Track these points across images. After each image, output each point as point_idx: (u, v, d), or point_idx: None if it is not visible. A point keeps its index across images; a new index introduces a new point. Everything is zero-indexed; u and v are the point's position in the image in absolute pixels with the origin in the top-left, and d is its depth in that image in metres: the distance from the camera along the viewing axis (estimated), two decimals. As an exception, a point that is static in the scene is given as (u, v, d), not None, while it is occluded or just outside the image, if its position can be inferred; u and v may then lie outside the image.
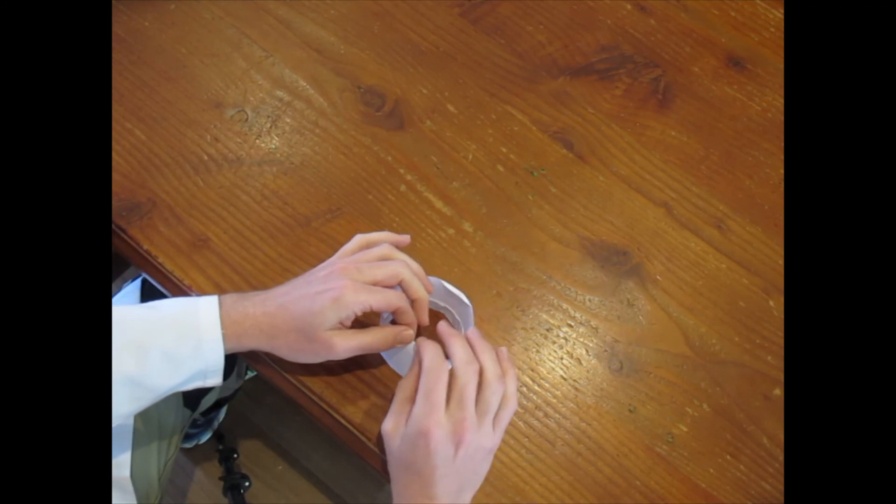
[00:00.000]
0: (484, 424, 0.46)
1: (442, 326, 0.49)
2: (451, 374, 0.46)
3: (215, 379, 0.47)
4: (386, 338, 0.49)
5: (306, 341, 0.46)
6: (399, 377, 0.52)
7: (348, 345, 0.47)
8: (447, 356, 0.48)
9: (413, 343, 0.51)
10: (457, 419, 0.45)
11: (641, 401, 0.55)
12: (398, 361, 0.53)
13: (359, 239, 0.51)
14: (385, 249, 0.50)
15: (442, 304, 0.55)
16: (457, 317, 0.54)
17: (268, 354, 0.51)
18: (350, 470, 1.16)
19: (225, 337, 0.45)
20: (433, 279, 0.53)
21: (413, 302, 0.49)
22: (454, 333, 0.49)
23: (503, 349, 0.50)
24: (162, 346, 0.44)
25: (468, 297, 0.52)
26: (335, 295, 0.45)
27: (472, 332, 0.50)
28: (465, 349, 0.47)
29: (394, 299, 0.47)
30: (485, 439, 0.46)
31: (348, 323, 0.46)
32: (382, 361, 0.53)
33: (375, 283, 0.47)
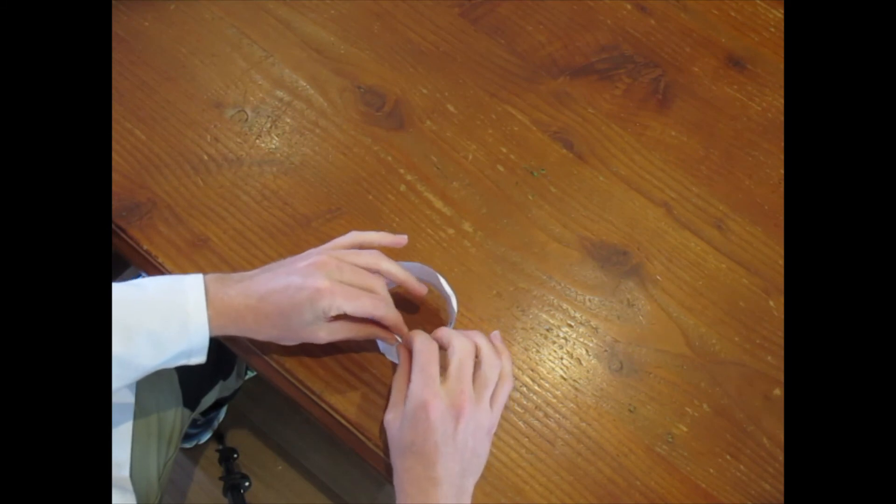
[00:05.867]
0: (482, 400, 0.47)
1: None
2: (448, 351, 0.48)
3: (199, 358, 0.47)
4: (369, 333, 0.50)
5: (288, 332, 0.47)
6: (384, 368, 0.53)
7: (331, 338, 0.48)
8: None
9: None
10: (455, 392, 0.46)
11: (641, 401, 0.55)
12: (393, 356, 0.53)
13: (353, 237, 0.51)
14: (372, 259, 0.49)
15: (435, 286, 0.55)
16: (442, 294, 0.55)
17: (253, 341, 0.52)
18: (350, 470, 1.16)
19: (210, 318, 0.45)
20: (428, 269, 0.53)
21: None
22: (441, 328, 0.50)
23: (496, 332, 0.52)
24: (148, 327, 0.44)
25: (455, 295, 0.53)
26: (311, 295, 0.45)
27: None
28: (459, 331, 0.49)
29: (369, 307, 0.47)
30: (482, 416, 0.47)
31: (328, 319, 0.47)
32: (382, 360, 0.54)
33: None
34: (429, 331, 0.55)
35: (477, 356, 0.48)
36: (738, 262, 0.62)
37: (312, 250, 0.50)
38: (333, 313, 0.46)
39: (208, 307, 0.45)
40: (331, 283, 0.46)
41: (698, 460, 0.54)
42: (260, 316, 0.46)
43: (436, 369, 0.46)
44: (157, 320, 0.44)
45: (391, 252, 0.53)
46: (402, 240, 0.52)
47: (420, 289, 0.51)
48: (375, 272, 0.49)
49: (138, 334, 0.43)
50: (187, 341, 0.45)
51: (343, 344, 0.53)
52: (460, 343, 0.48)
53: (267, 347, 0.53)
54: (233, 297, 0.46)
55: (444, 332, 0.49)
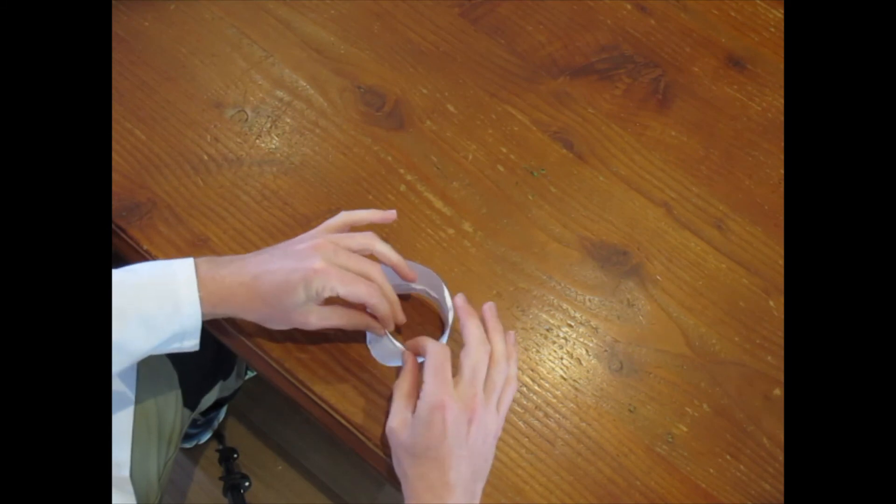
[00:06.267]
0: (490, 403, 0.47)
1: (460, 300, 0.51)
2: (462, 352, 0.48)
3: (192, 341, 0.47)
4: (359, 323, 0.50)
5: (279, 313, 0.47)
6: (384, 368, 0.53)
7: (321, 323, 0.48)
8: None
9: (389, 336, 0.52)
10: (467, 396, 0.46)
11: (641, 401, 0.55)
12: (379, 349, 0.53)
13: (343, 217, 0.51)
14: (366, 240, 0.49)
15: (433, 294, 0.55)
16: (441, 303, 0.55)
17: (249, 335, 0.52)
18: (350, 470, 1.16)
19: (201, 299, 0.45)
20: (432, 273, 0.53)
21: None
22: (471, 312, 0.50)
23: (511, 333, 0.52)
24: (140, 309, 0.44)
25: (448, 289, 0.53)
26: (306, 275, 0.45)
27: (489, 306, 0.51)
28: (480, 328, 0.49)
29: (363, 293, 0.47)
30: (491, 420, 0.47)
31: (321, 301, 0.47)
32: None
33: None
34: (426, 331, 0.55)
35: (489, 356, 0.48)
36: (738, 262, 0.62)
37: (306, 234, 0.50)
38: (327, 294, 0.46)
39: (199, 287, 0.45)
40: (326, 264, 0.46)
41: (698, 460, 0.54)
42: (252, 294, 0.46)
43: (450, 372, 0.46)
44: (149, 302, 0.44)
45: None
46: (391, 215, 0.52)
47: (412, 274, 0.51)
48: (369, 253, 0.49)
49: (130, 317, 0.43)
50: (179, 322, 0.45)
51: (343, 342, 0.53)
52: (476, 346, 0.47)
53: (265, 346, 0.53)
54: (224, 276, 0.46)
55: (471, 325, 0.48)
